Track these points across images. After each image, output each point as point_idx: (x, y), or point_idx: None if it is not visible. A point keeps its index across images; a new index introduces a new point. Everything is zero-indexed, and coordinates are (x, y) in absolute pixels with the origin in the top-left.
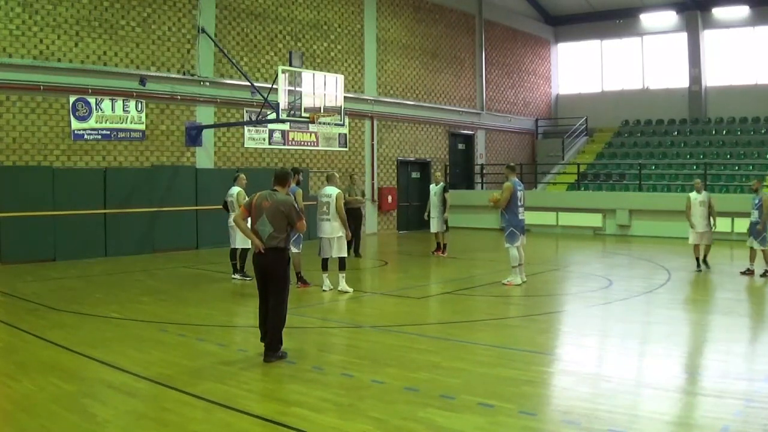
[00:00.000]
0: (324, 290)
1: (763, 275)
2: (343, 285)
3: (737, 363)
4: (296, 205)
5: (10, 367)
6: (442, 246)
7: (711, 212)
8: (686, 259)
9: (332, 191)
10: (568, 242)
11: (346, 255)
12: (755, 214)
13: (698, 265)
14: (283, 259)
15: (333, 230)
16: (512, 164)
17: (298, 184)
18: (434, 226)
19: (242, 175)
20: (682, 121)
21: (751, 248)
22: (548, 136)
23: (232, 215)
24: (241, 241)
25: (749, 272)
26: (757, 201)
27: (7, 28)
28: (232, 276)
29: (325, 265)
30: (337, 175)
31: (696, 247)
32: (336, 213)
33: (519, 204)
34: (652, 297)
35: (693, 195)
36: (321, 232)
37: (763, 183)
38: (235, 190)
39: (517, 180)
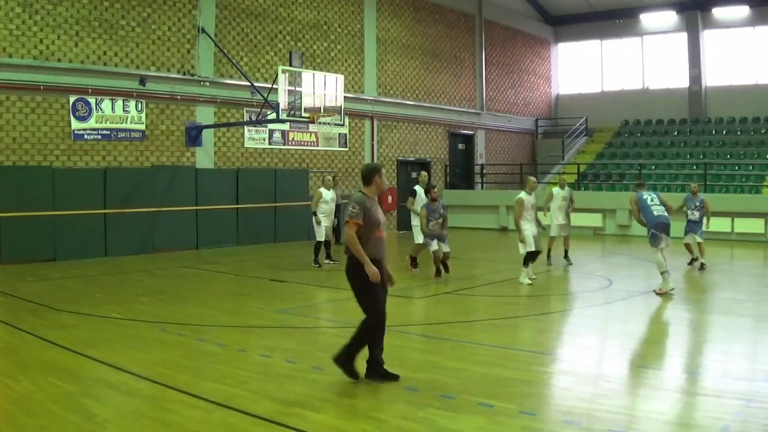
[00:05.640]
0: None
1: (691, 263)
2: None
3: (737, 363)
4: (350, 209)
5: (10, 367)
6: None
7: (571, 207)
8: (685, 259)
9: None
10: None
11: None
12: (696, 214)
13: (548, 259)
14: (351, 267)
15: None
16: (641, 181)
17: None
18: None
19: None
20: (682, 121)
21: (687, 244)
22: (548, 136)
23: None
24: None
25: (695, 260)
26: (698, 203)
27: (7, 28)
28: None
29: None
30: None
31: (552, 239)
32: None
33: (650, 204)
34: (652, 297)
35: (556, 190)
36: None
37: (702, 185)
38: (420, 189)
39: (643, 192)
